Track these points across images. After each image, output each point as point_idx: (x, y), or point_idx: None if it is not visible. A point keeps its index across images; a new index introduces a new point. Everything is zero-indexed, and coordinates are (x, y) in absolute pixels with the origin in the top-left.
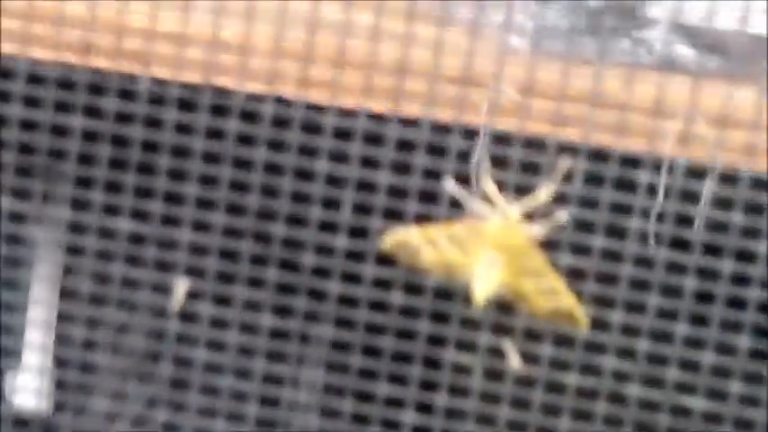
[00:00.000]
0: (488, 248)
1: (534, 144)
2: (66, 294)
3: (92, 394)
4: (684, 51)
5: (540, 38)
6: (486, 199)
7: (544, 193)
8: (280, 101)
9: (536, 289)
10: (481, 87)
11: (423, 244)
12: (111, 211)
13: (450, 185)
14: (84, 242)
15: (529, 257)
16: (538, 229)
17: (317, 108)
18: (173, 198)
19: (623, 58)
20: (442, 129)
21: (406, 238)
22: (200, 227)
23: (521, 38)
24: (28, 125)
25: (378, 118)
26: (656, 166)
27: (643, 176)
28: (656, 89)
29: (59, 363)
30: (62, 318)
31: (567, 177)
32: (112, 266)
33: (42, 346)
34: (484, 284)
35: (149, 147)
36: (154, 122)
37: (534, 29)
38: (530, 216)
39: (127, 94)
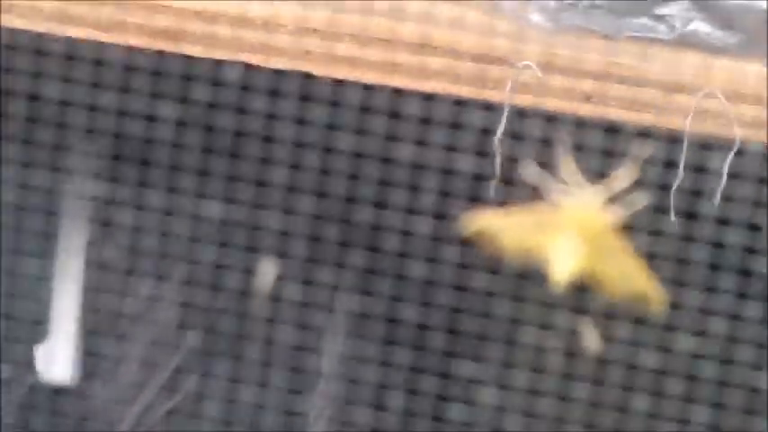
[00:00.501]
0: (568, 232)
1: (610, 129)
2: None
3: (121, 364)
4: (704, 27)
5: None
6: (565, 183)
7: (627, 176)
8: (365, 87)
9: (614, 272)
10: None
11: (503, 228)
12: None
13: (530, 169)
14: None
15: (608, 240)
16: (617, 213)
17: (399, 92)
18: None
19: (642, 33)
20: (521, 113)
21: (486, 222)
22: (289, 211)
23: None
24: (122, 113)
25: (460, 103)
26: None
27: (717, 161)
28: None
29: (88, 333)
30: (91, 289)
31: (645, 161)
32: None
33: (71, 316)
34: (563, 267)
35: (238, 133)
36: (242, 110)
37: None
38: (609, 200)
39: (216, 82)
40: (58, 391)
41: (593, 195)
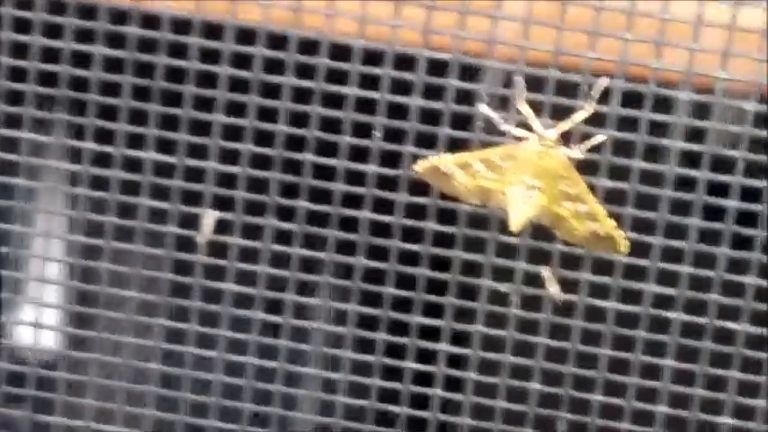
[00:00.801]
0: (524, 173)
1: (569, 68)
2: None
3: (110, 329)
4: None
5: None
6: (522, 122)
7: (581, 115)
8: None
9: (574, 213)
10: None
11: (456, 170)
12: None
13: (484, 109)
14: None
15: (566, 181)
16: (575, 152)
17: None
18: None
19: None
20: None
21: (438, 164)
22: (228, 156)
23: None
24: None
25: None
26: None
27: (682, 95)
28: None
29: (71, 298)
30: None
31: (604, 98)
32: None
33: (51, 280)
34: (520, 210)
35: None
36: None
37: None
38: (567, 138)
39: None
40: (42, 363)
41: (549, 134)
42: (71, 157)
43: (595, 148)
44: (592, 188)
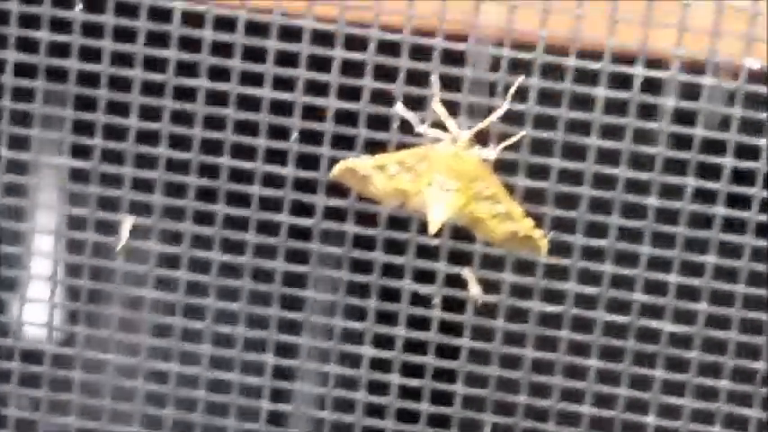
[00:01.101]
0: (440, 174)
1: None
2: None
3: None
4: None
5: None
6: (439, 122)
7: (495, 114)
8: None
9: (491, 214)
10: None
11: (373, 172)
12: None
13: (399, 109)
14: None
15: (482, 182)
16: (490, 152)
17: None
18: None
19: None
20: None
21: (355, 166)
22: (143, 161)
23: None
24: None
25: (322, 38)
26: (617, 80)
27: (599, 92)
28: None
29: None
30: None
31: (523, 95)
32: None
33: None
34: (438, 211)
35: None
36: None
37: None
38: (485, 137)
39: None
40: (34, 356)
41: (462, 136)
42: None
43: (514, 147)
44: (510, 188)
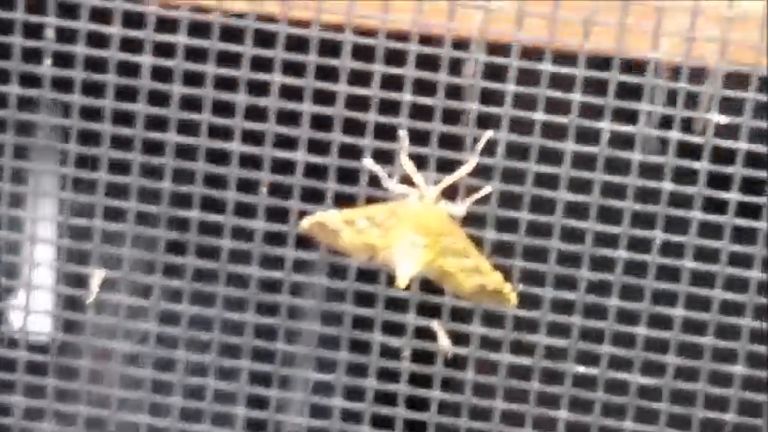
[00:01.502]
0: (408, 230)
1: (456, 116)
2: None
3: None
4: None
5: None
6: (407, 176)
7: (464, 169)
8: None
9: (460, 268)
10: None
11: (342, 226)
12: None
13: (368, 163)
14: None
15: (450, 237)
16: (458, 209)
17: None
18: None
19: None
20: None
21: (323, 220)
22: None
23: None
24: None
25: (292, 93)
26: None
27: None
28: None
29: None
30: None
31: (491, 150)
32: None
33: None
34: (406, 266)
35: None
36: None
37: None
38: (454, 191)
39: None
40: (33, 348)
41: (429, 193)
42: None
43: (482, 200)
44: (479, 241)
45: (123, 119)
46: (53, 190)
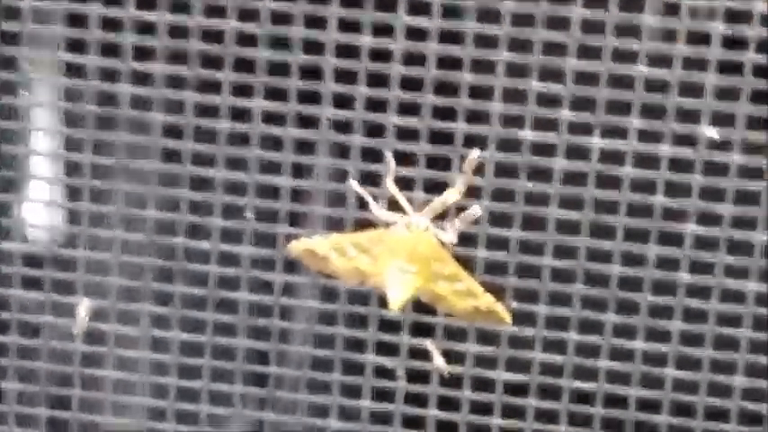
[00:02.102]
0: (397, 257)
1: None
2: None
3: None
4: None
5: None
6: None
7: (452, 194)
8: None
9: (451, 292)
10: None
11: (330, 253)
12: None
13: (354, 186)
14: None
15: (440, 263)
16: (448, 235)
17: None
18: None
19: None
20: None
21: (311, 246)
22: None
23: None
24: None
25: (276, 119)
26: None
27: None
28: None
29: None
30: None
31: (480, 169)
32: None
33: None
34: (397, 292)
35: None
36: None
37: None
38: (443, 213)
39: None
40: (34, 258)
41: (419, 218)
42: None
43: (473, 221)
44: (469, 263)
45: (104, 150)
46: None
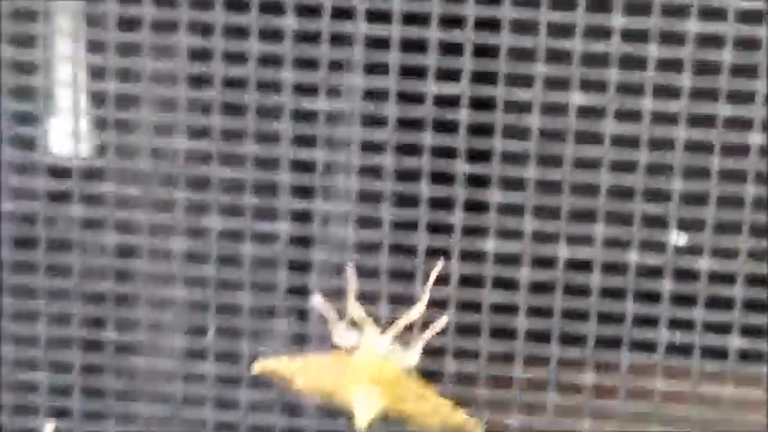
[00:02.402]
0: (361, 380)
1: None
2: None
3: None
4: None
5: None
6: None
7: (417, 309)
8: None
9: (419, 412)
10: None
11: (294, 372)
12: None
13: (317, 302)
14: None
15: (405, 385)
16: (409, 357)
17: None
18: None
19: None
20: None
21: (275, 366)
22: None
23: None
24: None
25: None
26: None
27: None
28: None
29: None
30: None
31: (445, 280)
32: None
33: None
34: (363, 413)
35: None
36: None
37: None
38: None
39: None
40: (64, 171)
41: (379, 348)
42: None
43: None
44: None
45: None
46: None
